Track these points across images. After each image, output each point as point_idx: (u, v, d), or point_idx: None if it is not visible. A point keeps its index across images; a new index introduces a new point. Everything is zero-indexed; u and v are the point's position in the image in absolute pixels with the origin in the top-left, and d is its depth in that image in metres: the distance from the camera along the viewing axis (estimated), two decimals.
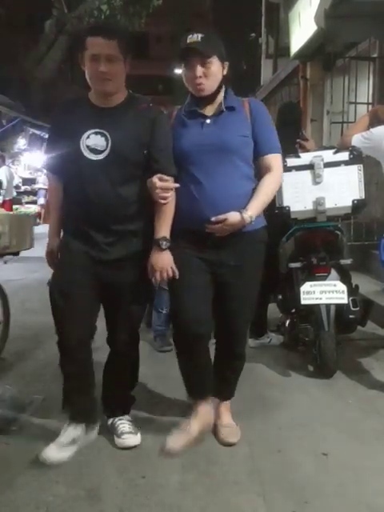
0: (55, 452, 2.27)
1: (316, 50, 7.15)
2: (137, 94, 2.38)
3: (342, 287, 3.19)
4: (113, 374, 2.51)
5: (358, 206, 3.21)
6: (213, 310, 2.39)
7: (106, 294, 2.35)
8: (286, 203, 3.22)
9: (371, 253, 5.08)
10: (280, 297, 3.61)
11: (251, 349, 3.63)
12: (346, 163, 3.20)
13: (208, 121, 2.29)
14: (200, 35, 2.20)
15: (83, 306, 2.30)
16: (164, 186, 2.17)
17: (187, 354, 2.39)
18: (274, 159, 2.33)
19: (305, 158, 3.25)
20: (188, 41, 2.21)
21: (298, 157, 3.27)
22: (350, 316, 3.23)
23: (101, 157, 2.22)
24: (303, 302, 3.19)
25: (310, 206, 3.24)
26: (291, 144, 3.53)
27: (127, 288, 2.32)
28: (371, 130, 3.17)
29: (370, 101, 6.69)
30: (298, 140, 3.70)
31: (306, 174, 3.23)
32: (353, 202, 3.20)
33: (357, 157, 3.18)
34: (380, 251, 3.18)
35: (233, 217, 2.19)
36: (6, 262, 3.86)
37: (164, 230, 2.26)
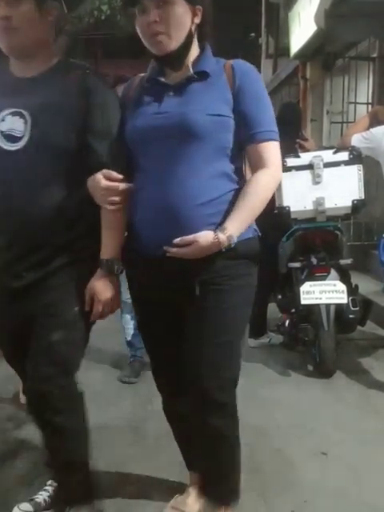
0: None
1: (316, 49, 7.15)
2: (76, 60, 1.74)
3: (342, 287, 3.19)
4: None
5: (357, 206, 3.21)
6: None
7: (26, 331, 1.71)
8: (285, 203, 3.23)
9: (371, 253, 5.08)
10: (280, 297, 3.62)
11: (251, 349, 3.65)
12: (346, 163, 3.21)
13: (171, 93, 1.60)
14: None
15: (19, 351, 1.75)
16: (111, 186, 1.54)
17: (178, 423, 1.88)
18: (268, 149, 1.60)
19: (304, 158, 3.26)
20: None
21: (298, 157, 3.28)
22: (350, 316, 3.24)
23: (18, 145, 1.61)
24: (303, 301, 3.19)
25: (309, 206, 3.25)
26: (291, 144, 3.54)
27: (46, 317, 1.68)
28: (371, 130, 3.18)
29: (370, 101, 6.69)
30: (297, 140, 3.71)
31: (306, 174, 3.23)
32: (352, 202, 3.20)
33: (356, 157, 3.18)
34: (380, 251, 3.19)
35: (204, 238, 1.51)
36: None
37: (113, 248, 1.66)
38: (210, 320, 1.61)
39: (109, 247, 1.66)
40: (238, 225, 1.56)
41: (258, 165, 1.61)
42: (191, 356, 1.64)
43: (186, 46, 1.59)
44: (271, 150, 1.62)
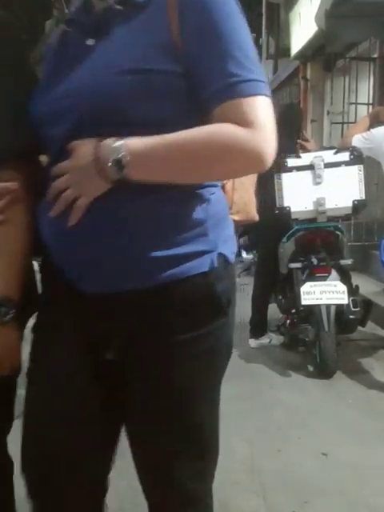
0: None
1: (316, 50, 7.16)
2: None
3: (343, 287, 3.19)
4: None
5: (358, 206, 3.22)
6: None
7: None
8: (286, 203, 3.24)
9: (371, 253, 5.08)
10: (280, 297, 3.63)
11: (251, 349, 3.66)
12: (347, 164, 3.21)
13: (89, 42, 0.97)
14: None
15: None
16: None
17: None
18: (246, 105, 0.91)
19: (305, 158, 3.27)
20: None
21: (299, 157, 3.29)
22: (350, 316, 3.24)
23: None
24: (303, 302, 3.19)
25: (310, 207, 3.25)
26: (292, 145, 3.55)
27: None
28: (372, 130, 3.19)
29: (371, 101, 6.69)
30: (298, 140, 3.72)
31: (307, 175, 3.24)
32: (353, 202, 3.21)
33: (357, 157, 3.19)
34: (380, 252, 3.19)
35: (82, 143, 0.92)
36: None
37: (5, 280, 1.03)
38: (138, 415, 1.10)
39: None
40: (146, 147, 0.89)
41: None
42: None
43: None
44: (254, 105, 0.92)
